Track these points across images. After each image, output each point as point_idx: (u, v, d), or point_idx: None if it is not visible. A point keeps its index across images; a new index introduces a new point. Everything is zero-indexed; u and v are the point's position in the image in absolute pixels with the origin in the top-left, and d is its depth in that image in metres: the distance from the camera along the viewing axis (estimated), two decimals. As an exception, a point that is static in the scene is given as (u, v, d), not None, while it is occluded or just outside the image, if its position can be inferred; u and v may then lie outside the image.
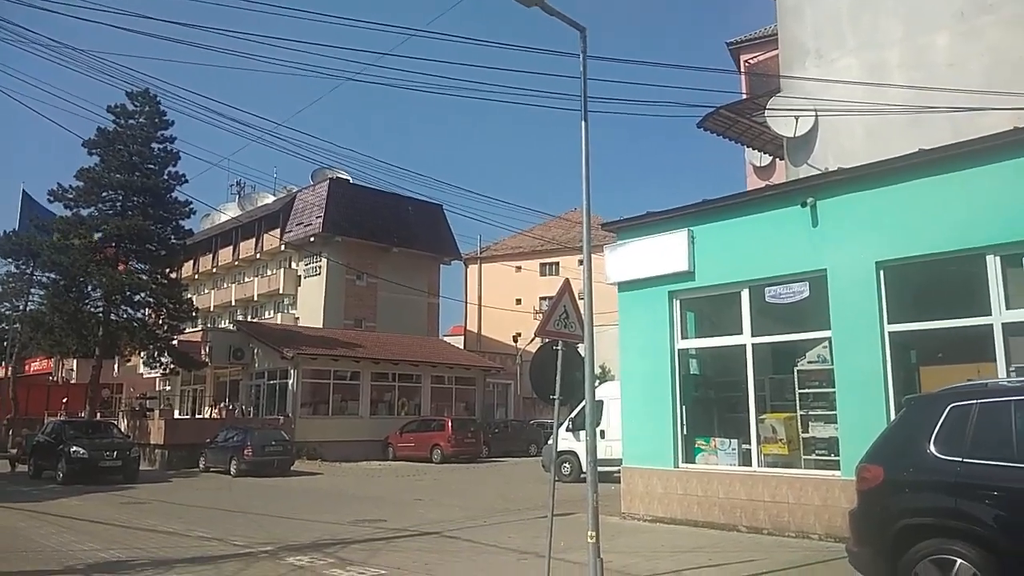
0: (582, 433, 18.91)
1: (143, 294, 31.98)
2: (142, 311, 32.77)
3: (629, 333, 13.05)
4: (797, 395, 11.10)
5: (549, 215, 46.92)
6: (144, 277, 31.80)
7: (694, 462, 12.05)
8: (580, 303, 9.08)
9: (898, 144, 10.97)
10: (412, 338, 41.63)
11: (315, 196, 47.35)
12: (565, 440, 19.95)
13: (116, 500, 17.38)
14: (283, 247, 48.02)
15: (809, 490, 10.37)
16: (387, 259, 47.24)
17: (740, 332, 11.63)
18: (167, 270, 33.40)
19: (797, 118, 14.20)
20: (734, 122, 16.77)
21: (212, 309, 53.89)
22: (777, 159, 19.15)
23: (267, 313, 50.67)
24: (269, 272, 50.82)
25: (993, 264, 9.18)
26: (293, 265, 48.81)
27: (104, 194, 31.44)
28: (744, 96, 18.11)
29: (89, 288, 31.69)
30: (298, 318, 46.07)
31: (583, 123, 8.74)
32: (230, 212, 53.50)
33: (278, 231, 48.32)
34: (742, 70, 22.70)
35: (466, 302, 54.95)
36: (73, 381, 42.50)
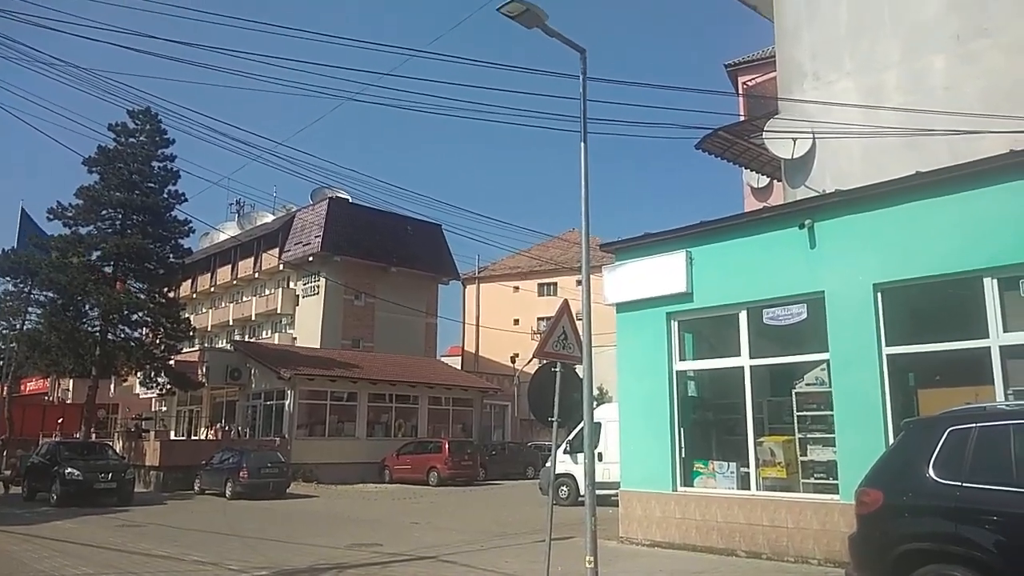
0: (580, 456, 18.80)
1: (141, 313, 31.87)
2: (139, 330, 32.66)
3: (627, 354, 13.02)
4: (795, 418, 11.06)
5: (547, 235, 46.98)
6: (142, 296, 31.72)
7: (692, 485, 11.98)
8: (579, 324, 9.07)
9: (895, 167, 11.01)
10: (409, 359, 41.53)
11: (314, 215, 47.40)
12: (562, 463, 19.85)
13: (111, 523, 17.24)
14: (281, 266, 47.99)
15: (808, 514, 10.31)
16: (385, 279, 47.21)
17: (738, 354, 11.61)
18: (165, 289, 33.28)
19: (795, 140, 14.25)
20: (732, 143, 16.83)
21: (209, 329, 53.75)
22: (775, 181, 19.21)
23: (264, 333, 50.56)
24: (267, 291, 50.76)
25: (991, 287, 9.19)
26: (291, 284, 48.78)
27: (103, 212, 31.40)
28: (742, 118, 18.18)
29: (87, 307, 31.55)
30: (295, 338, 45.95)
31: (582, 144, 8.78)
32: (229, 231, 53.50)
33: (277, 250, 48.31)
34: (740, 92, 22.84)
35: (464, 322, 54.87)
36: (69, 401, 42.32)
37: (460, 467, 30.11)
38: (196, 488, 26.25)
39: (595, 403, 9.93)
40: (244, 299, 52.76)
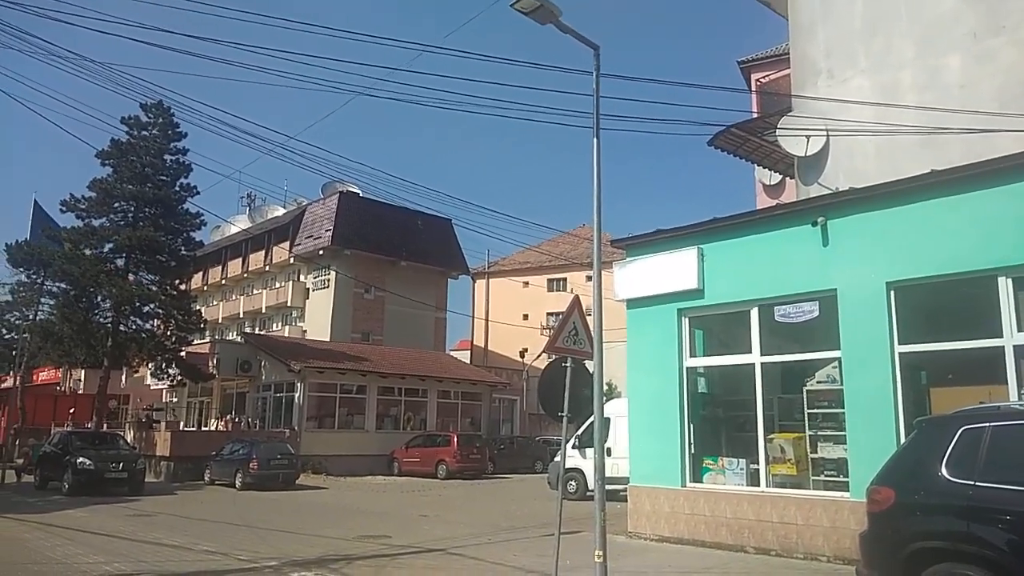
0: (588, 451, 18.83)
1: (152, 305, 32.09)
2: (151, 322, 32.88)
3: (637, 350, 13.01)
4: (806, 415, 11.02)
5: (557, 231, 47.05)
6: (154, 288, 31.94)
7: (701, 481, 11.97)
8: (589, 319, 9.06)
9: (910, 165, 10.96)
10: (419, 352, 41.62)
11: (325, 209, 47.48)
12: (571, 458, 19.85)
13: (122, 512, 17.36)
14: (292, 260, 48.12)
15: (818, 511, 10.29)
16: (395, 273, 47.28)
17: (749, 351, 11.58)
18: (176, 281, 33.50)
19: (808, 137, 14.19)
20: (745, 140, 16.77)
21: (220, 321, 53.95)
22: (787, 178, 19.15)
23: (275, 325, 50.73)
24: (278, 284, 50.91)
25: (1005, 286, 9.14)
26: (302, 278, 48.91)
27: (116, 205, 31.63)
28: (755, 115, 18.12)
29: (99, 298, 31.80)
30: (306, 331, 46.10)
31: (595, 140, 8.76)
32: (240, 224, 53.65)
33: (288, 244, 48.44)
34: (753, 89, 22.74)
35: (473, 317, 54.92)
36: (80, 391, 42.52)
37: (469, 461, 30.19)
38: (206, 479, 26.42)
39: (604, 399, 9.93)
40: (255, 292, 52.94)
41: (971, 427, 6.04)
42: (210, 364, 33.93)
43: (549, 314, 49.04)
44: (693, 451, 12.14)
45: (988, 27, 12.44)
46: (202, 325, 35.88)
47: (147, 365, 34.21)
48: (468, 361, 46.16)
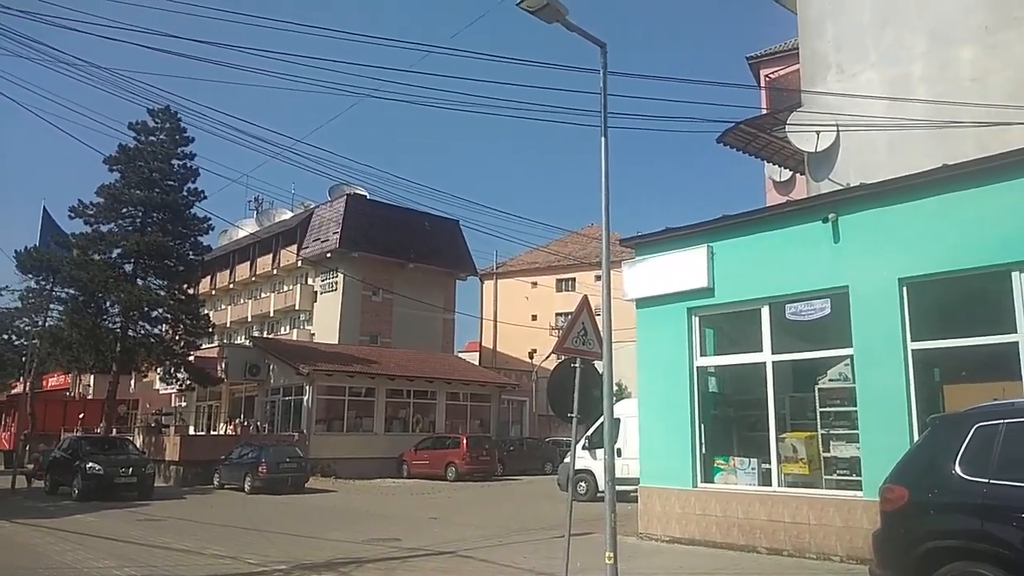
0: (599, 451, 18.73)
1: (161, 310, 32.13)
2: (159, 327, 32.92)
3: (647, 350, 12.92)
4: (818, 414, 10.91)
5: (565, 230, 46.92)
6: (162, 293, 32.01)
7: (713, 482, 11.87)
8: (598, 319, 8.99)
9: (921, 159, 10.84)
10: (427, 354, 41.61)
11: (332, 212, 47.55)
12: (581, 459, 19.77)
13: (131, 517, 17.37)
14: (300, 263, 48.18)
15: (830, 511, 10.18)
16: (403, 275, 47.30)
17: (760, 350, 11.46)
18: (185, 286, 33.56)
19: (818, 133, 14.09)
20: (754, 137, 16.68)
21: (228, 325, 54.09)
22: (797, 174, 19.02)
23: (283, 329, 50.82)
24: (286, 288, 51.01)
25: (1019, 281, 9.02)
26: (309, 281, 48.99)
27: (124, 210, 31.69)
28: (764, 111, 18.02)
29: (107, 304, 31.87)
30: (314, 334, 46.15)
31: (603, 138, 8.69)
32: (248, 228, 53.79)
33: (295, 247, 48.51)
34: (762, 85, 22.63)
35: (481, 318, 54.85)
36: (90, 397, 42.68)
37: (478, 462, 30.14)
38: (215, 483, 26.46)
39: (615, 399, 9.85)
40: (263, 295, 53.08)
41: (985, 424, 5.96)
42: (219, 368, 33.99)
43: (558, 314, 48.94)
44: (704, 451, 12.04)
45: (1000, 19, 12.32)
46: (210, 329, 35.89)
47: (156, 370, 34.27)
48: (477, 363, 46.13)
